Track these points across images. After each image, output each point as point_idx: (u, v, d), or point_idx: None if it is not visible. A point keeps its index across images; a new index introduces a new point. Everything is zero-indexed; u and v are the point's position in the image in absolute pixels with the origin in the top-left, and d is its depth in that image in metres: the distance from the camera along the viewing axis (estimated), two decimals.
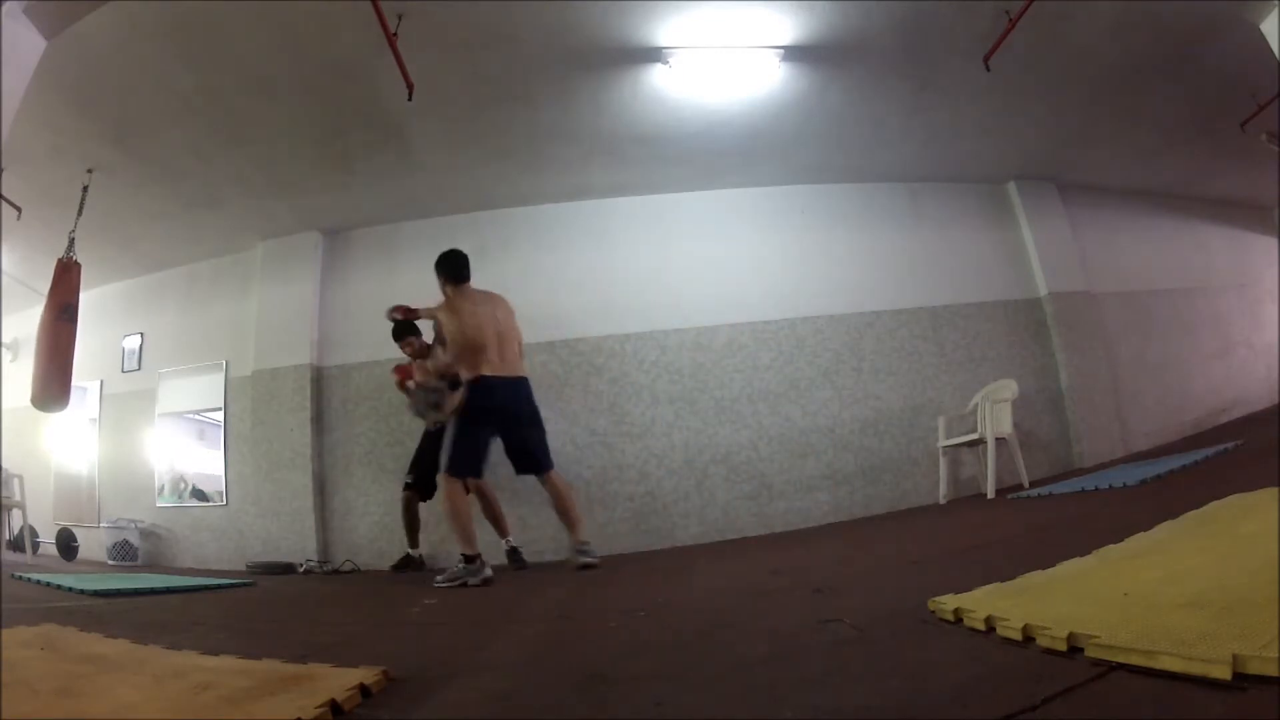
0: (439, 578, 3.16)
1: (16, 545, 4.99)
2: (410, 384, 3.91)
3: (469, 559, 3.09)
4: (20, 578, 3.31)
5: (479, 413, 3.33)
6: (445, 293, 3.56)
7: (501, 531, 3.96)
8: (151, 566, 4.99)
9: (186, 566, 4.96)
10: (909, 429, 5.08)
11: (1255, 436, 4.13)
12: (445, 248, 3.65)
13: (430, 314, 3.57)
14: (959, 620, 1.16)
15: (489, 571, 3.13)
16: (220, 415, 5.33)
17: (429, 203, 5.24)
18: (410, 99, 3.69)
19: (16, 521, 5.05)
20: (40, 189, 4.26)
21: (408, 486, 4.21)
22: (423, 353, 4.18)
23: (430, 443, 4.14)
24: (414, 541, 4.23)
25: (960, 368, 5.26)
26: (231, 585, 3.40)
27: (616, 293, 5.21)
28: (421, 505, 4.25)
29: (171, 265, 5.76)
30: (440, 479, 3.30)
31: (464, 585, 3.04)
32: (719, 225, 5.44)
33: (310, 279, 5.32)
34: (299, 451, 4.93)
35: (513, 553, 3.94)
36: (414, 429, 4.80)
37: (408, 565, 4.20)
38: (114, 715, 0.94)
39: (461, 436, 3.30)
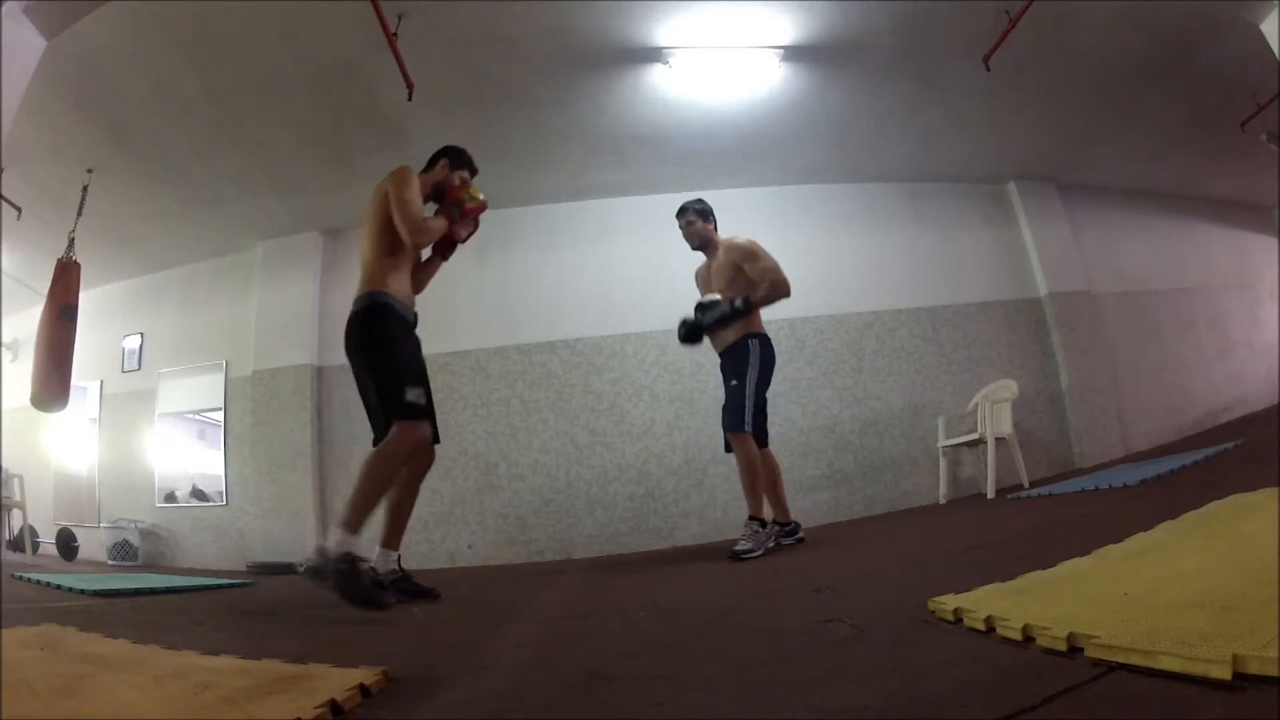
0: (740, 545, 2.88)
1: (16, 545, 5.00)
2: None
3: (762, 522, 3.03)
4: (20, 578, 3.30)
5: (766, 372, 3.26)
6: (717, 235, 3.72)
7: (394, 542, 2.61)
8: (151, 566, 4.99)
9: (186, 566, 4.96)
10: (909, 429, 5.08)
11: (1255, 436, 4.12)
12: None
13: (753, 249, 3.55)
14: (959, 620, 1.15)
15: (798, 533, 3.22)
16: (220, 415, 5.33)
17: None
18: (410, 99, 3.69)
19: (16, 521, 5.06)
20: (40, 189, 4.27)
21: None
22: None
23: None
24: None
25: (960, 368, 5.26)
26: (231, 585, 3.39)
27: (616, 293, 5.20)
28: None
29: (171, 265, 5.76)
30: (739, 437, 3.07)
31: (777, 546, 3.04)
32: (719, 225, 5.44)
33: (310, 279, 5.32)
34: (299, 451, 4.93)
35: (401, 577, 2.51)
36: None
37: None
38: (114, 715, 0.94)
39: (759, 393, 3.19)
